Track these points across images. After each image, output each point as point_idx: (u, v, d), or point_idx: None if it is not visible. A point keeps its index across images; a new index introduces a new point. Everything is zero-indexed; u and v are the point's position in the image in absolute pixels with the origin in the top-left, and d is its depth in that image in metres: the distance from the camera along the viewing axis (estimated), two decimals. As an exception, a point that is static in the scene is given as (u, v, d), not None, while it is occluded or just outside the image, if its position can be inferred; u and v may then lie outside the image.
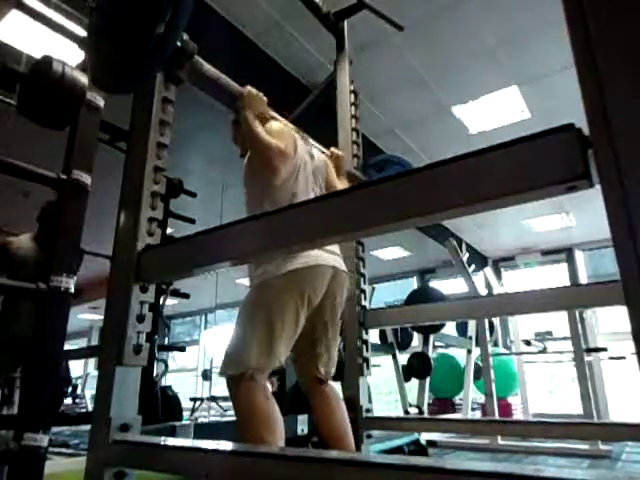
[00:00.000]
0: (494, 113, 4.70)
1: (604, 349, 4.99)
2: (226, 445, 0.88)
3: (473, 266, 5.09)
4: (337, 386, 1.70)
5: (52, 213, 2.71)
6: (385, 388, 8.02)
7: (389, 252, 8.24)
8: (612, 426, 1.89)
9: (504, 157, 0.68)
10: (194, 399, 7.76)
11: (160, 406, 2.90)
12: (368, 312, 2.11)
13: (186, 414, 5.92)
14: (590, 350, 4.68)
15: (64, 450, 2.35)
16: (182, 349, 4.14)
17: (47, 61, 1.45)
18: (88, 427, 1.11)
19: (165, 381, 4.23)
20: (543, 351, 5.66)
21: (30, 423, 1.25)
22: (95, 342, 12.41)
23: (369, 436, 1.93)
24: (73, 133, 1.54)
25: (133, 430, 1.08)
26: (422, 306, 2.25)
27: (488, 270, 5.66)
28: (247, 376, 1.33)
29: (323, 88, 2.73)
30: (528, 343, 5.79)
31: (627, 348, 5.13)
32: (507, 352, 6.40)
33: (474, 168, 0.71)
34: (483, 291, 5.07)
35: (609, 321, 6.99)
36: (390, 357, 4.81)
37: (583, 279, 7.92)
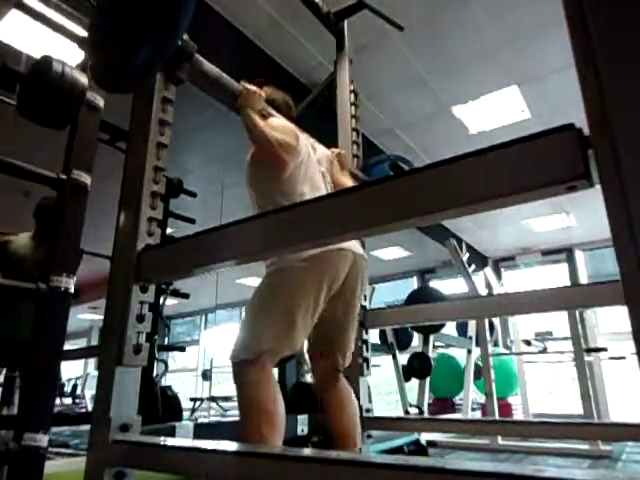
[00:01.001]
0: (494, 113, 4.70)
1: (604, 349, 4.98)
2: (226, 445, 0.88)
3: (473, 266, 5.09)
4: None
5: (48, 209, 2.72)
6: (385, 388, 8.02)
7: (389, 252, 8.24)
8: (612, 426, 1.89)
9: (504, 157, 0.68)
10: (194, 399, 7.76)
11: (160, 406, 2.89)
12: (368, 312, 2.11)
13: (186, 414, 5.93)
14: (590, 350, 4.67)
15: (64, 450, 2.35)
16: (182, 349, 4.13)
17: (47, 61, 1.45)
18: (88, 427, 1.11)
19: (165, 381, 4.23)
20: (543, 351, 5.66)
21: (30, 423, 1.24)
22: (95, 342, 12.42)
23: (369, 436, 1.93)
24: (73, 133, 1.54)
25: (133, 430, 1.08)
26: (422, 306, 2.25)
27: (488, 270, 5.65)
28: (259, 364, 1.32)
29: (323, 88, 2.72)
30: (528, 343, 5.78)
31: (627, 348, 5.13)
32: (507, 352, 6.39)
33: (474, 168, 0.71)
34: (483, 291, 5.07)
35: (609, 321, 6.99)
36: (390, 357, 4.81)
37: (583, 279, 7.92)
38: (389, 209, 0.80)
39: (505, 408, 5.49)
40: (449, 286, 8.22)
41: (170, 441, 1.01)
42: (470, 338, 5.00)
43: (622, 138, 0.51)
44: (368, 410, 1.96)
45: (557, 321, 5.15)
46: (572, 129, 0.61)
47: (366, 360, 2.02)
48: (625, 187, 0.50)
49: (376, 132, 4.90)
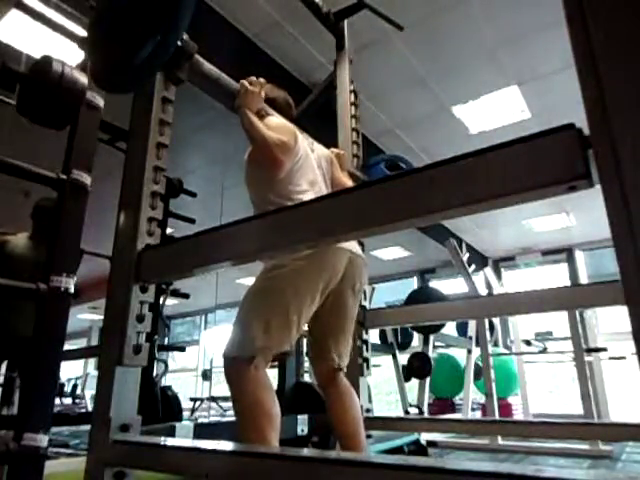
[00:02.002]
0: (494, 113, 4.70)
1: (604, 349, 4.98)
2: (226, 445, 0.88)
3: (473, 266, 5.09)
4: None
5: (46, 210, 2.72)
6: (385, 388, 8.02)
7: (389, 252, 8.24)
8: (612, 426, 1.90)
9: (504, 157, 0.68)
10: (194, 399, 7.76)
11: (160, 406, 2.89)
12: (368, 312, 2.11)
13: (186, 414, 5.93)
14: (590, 350, 4.67)
15: (64, 450, 2.35)
16: (182, 349, 4.14)
17: (47, 61, 1.45)
18: (88, 427, 1.11)
19: (165, 381, 4.23)
20: (543, 351, 5.66)
21: (30, 423, 1.24)
22: (95, 342, 12.41)
23: (369, 436, 1.93)
24: (73, 133, 1.54)
25: (133, 430, 1.08)
26: (422, 306, 2.25)
27: (488, 270, 5.65)
28: (253, 361, 1.31)
29: (323, 88, 2.72)
30: (528, 343, 5.79)
31: (627, 348, 5.13)
32: (507, 352, 6.39)
33: (474, 168, 0.71)
34: (483, 291, 5.07)
35: (609, 321, 6.99)
36: (390, 357, 4.81)
37: (583, 279, 7.92)
38: (389, 209, 0.80)
39: (505, 408, 5.48)
40: (449, 286, 8.22)
41: (170, 441, 1.01)
42: (470, 338, 5.00)
43: (622, 138, 0.51)
44: (368, 410, 1.96)
45: (557, 321, 5.15)
46: (572, 129, 0.61)
47: (366, 360, 2.02)
48: (625, 187, 0.50)
49: (376, 132, 4.90)
